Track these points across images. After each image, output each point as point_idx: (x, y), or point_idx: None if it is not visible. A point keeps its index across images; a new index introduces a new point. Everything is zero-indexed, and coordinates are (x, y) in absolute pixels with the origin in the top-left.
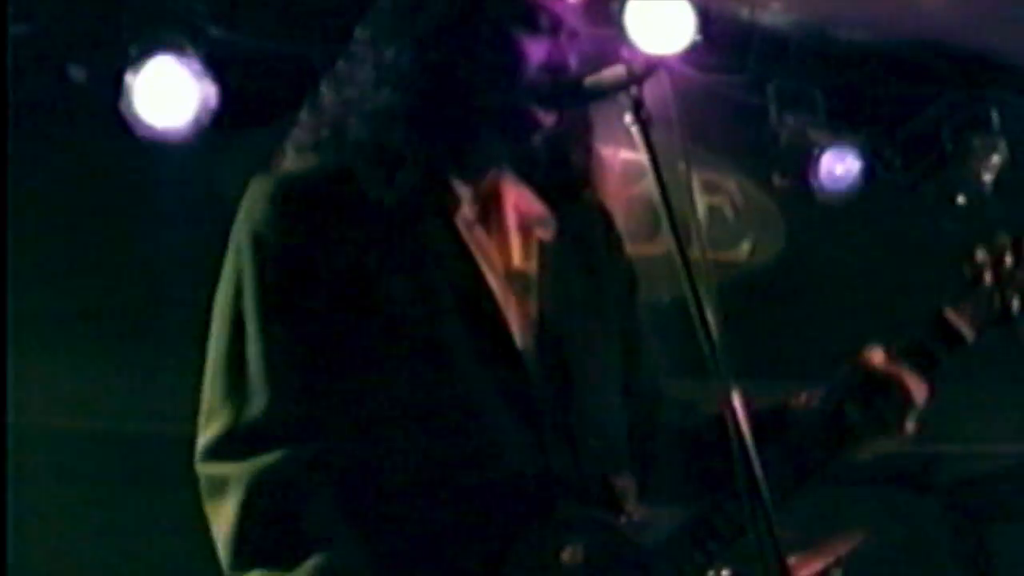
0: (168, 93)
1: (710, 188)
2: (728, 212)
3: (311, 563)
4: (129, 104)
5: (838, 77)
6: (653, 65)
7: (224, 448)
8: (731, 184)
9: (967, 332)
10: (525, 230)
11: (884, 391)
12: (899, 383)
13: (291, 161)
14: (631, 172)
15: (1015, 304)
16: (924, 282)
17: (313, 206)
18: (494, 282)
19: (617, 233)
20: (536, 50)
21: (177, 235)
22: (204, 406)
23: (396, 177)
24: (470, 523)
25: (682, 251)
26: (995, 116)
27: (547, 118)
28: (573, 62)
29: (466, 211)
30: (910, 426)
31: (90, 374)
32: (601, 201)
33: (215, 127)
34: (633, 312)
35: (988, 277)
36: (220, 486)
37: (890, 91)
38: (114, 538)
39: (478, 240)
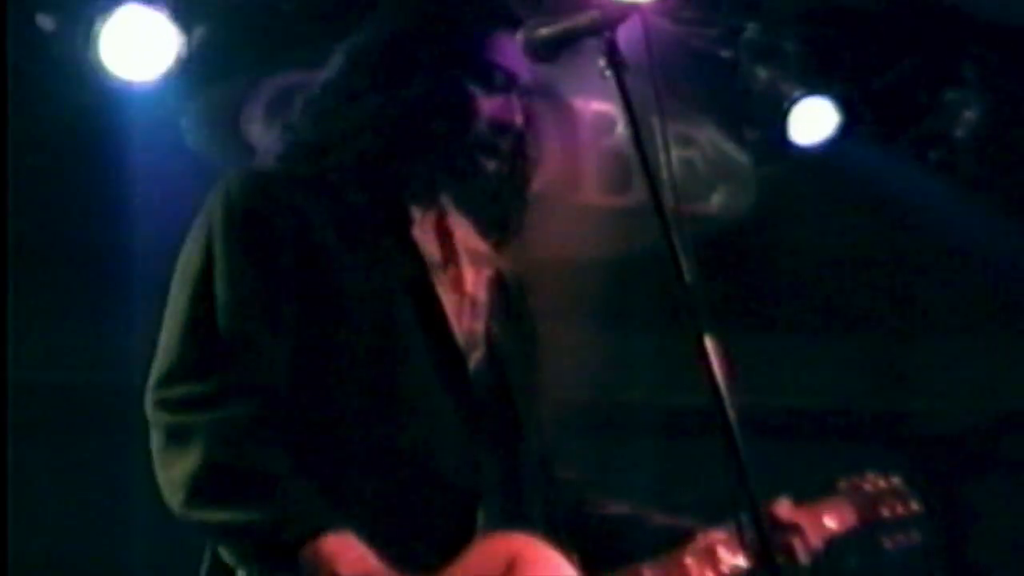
0: (137, 42)
1: (681, 140)
2: (699, 165)
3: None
4: (97, 53)
5: (811, 30)
6: (627, 9)
7: (183, 404)
8: (703, 137)
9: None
10: (476, 264)
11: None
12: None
13: (268, 162)
14: (602, 124)
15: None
16: (893, 237)
17: (285, 192)
18: (446, 297)
19: (527, 301)
20: (488, 107)
21: (144, 184)
22: (160, 366)
23: (365, 193)
24: (403, 509)
25: (657, 199)
26: (969, 71)
27: (489, 164)
28: (519, 118)
29: (424, 235)
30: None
31: (54, 323)
32: (514, 262)
33: (183, 77)
34: (537, 379)
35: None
36: (175, 433)
37: (863, 45)
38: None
39: (433, 260)
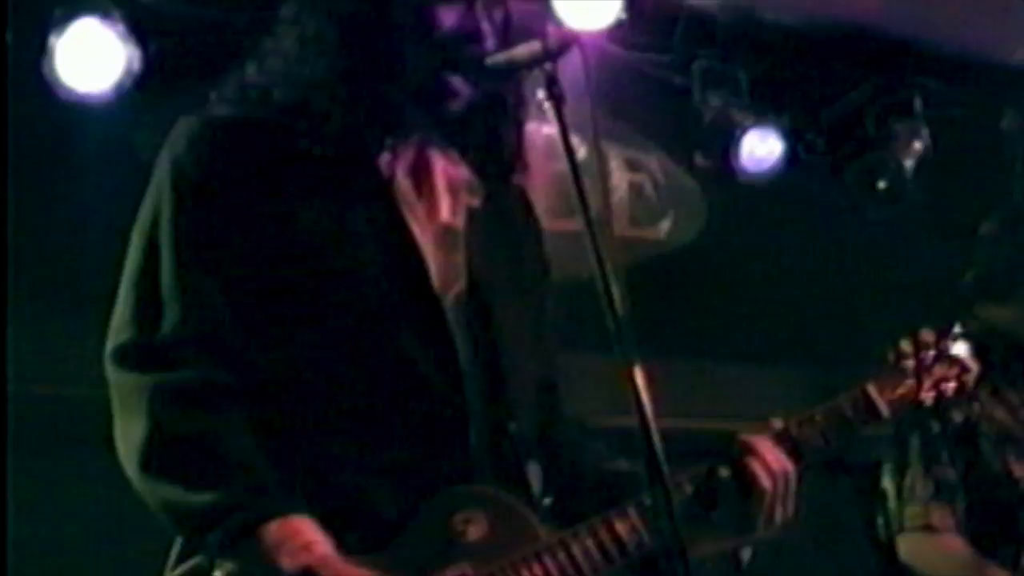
0: (92, 56)
1: (632, 166)
2: (649, 190)
3: (224, 491)
4: (52, 66)
5: (763, 59)
6: (568, 41)
7: (131, 357)
8: (653, 162)
9: (884, 410)
10: (454, 192)
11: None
12: (753, 455)
13: (216, 108)
14: (553, 148)
15: (928, 395)
16: (840, 266)
17: (235, 145)
18: (419, 232)
19: (538, 225)
20: (448, 18)
21: (97, 199)
22: (114, 320)
23: (321, 131)
24: (381, 463)
25: (590, 226)
26: (918, 102)
27: (463, 88)
28: (488, 30)
29: (395, 168)
30: (762, 497)
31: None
32: (525, 186)
33: (138, 91)
34: (544, 301)
35: (910, 365)
36: (127, 395)
37: (814, 74)
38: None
39: (405, 194)
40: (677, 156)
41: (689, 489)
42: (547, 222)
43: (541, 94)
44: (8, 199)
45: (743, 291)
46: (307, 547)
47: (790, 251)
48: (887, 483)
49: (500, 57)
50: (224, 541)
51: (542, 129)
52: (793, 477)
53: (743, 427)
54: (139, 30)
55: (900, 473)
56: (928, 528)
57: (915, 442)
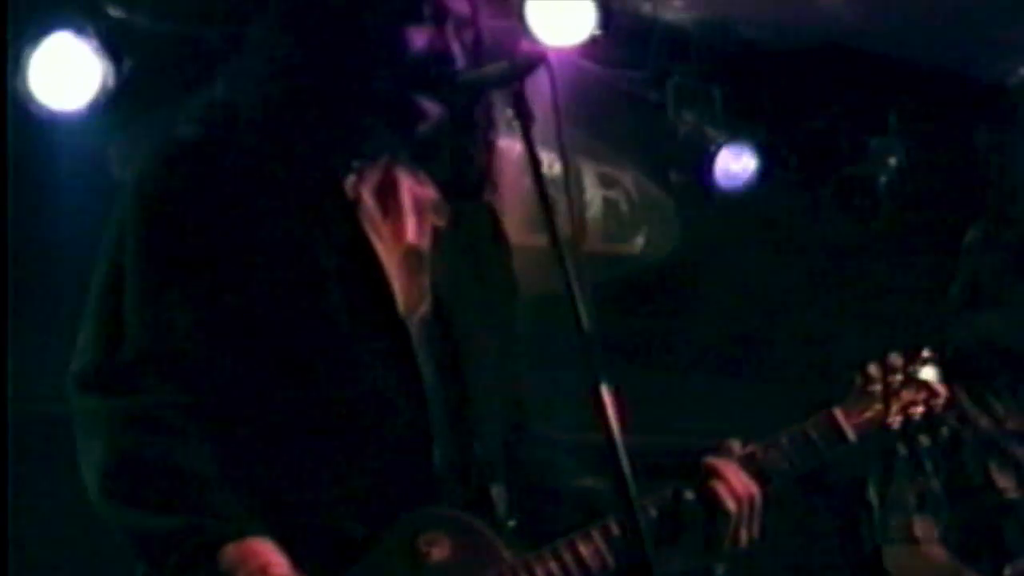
0: (65, 72)
1: (606, 181)
2: (624, 206)
3: (183, 515)
4: (25, 82)
5: (737, 75)
6: (536, 60)
7: (92, 381)
8: (627, 178)
9: (850, 434)
10: (420, 212)
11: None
12: (718, 478)
13: (183, 129)
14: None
15: (895, 420)
16: (813, 283)
17: (201, 167)
18: (384, 254)
19: (507, 242)
20: (418, 39)
21: (70, 214)
22: (79, 343)
23: (288, 153)
24: (344, 486)
25: (556, 243)
26: (892, 119)
27: (433, 108)
28: (458, 50)
29: (359, 189)
30: (728, 520)
31: None
32: (495, 205)
33: (112, 107)
34: (512, 319)
35: (877, 389)
36: (88, 419)
37: (788, 91)
38: None
39: (371, 215)
40: (651, 172)
41: (654, 513)
42: (522, 237)
43: (509, 113)
44: None
45: (717, 307)
46: (264, 569)
47: (764, 267)
48: (872, 494)
49: (469, 76)
50: (182, 564)
51: (516, 145)
52: (759, 500)
53: (714, 442)
54: (113, 46)
55: (885, 484)
56: (912, 539)
57: (901, 452)
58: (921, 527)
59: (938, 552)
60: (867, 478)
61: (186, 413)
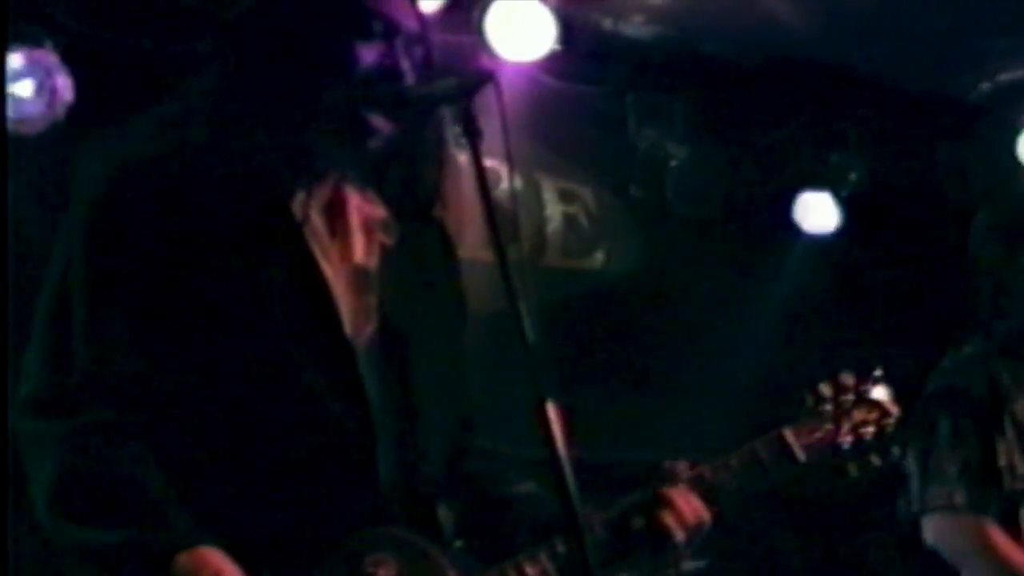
0: (25, 86)
1: (566, 197)
2: (583, 221)
3: (133, 527)
4: None
5: (698, 90)
6: (485, 77)
7: (39, 407)
8: (587, 193)
9: (800, 455)
10: (368, 231)
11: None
12: (669, 507)
13: (133, 147)
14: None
15: (846, 440)
16: (774, 300)
17: (149, 186)
18: (331, 274)
19: (456, 259)
20: (368, 56)
21: (28, 229)
22: (25, 366)
23: (236, 173)
24: (290, 506)
25: (503, 261)
26: (853, 133)
27: (383, 125)
28: (408, 67)
29: (308, 208)
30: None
31: None
32: (445, 224)
33: (70, 121)
34: (460, 340)
35: (828, 409)
36: (35, 443)
37: (749, 106)
38: None
39: (319, 235)
40: (612, 187)
41: (602, 533)
42: (480, 253)
43: (457, 130)
44: None
45: (676, 323)
46: (218, 575)
47: (724, 284)
48: (911, 464)
49: (418, 92)
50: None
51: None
52: (707, 524)
53: (671, 459)
54: (72, 60)
55: (925, 454)
56: (952, 508)
57: (944, 423)
58: (962, 496)
59: (980, 521)
60: (906, 447)
61: (133, 431)
